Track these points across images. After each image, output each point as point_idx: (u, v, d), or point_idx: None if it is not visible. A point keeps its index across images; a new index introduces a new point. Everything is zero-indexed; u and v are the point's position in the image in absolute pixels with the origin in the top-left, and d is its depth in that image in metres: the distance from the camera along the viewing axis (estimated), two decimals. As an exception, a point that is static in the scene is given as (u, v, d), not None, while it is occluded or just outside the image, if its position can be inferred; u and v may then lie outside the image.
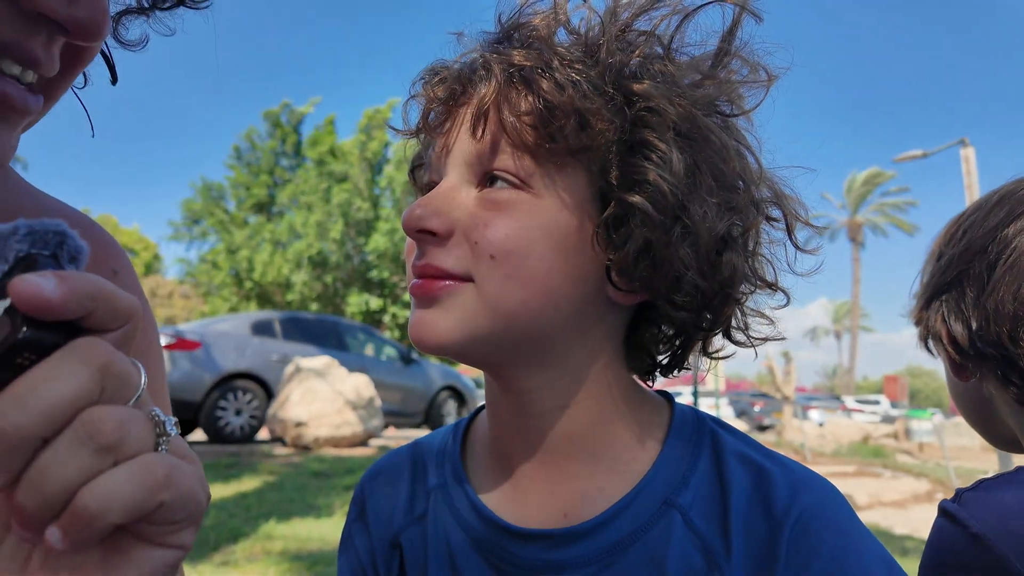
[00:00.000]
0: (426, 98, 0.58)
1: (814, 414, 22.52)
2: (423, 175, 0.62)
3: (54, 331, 0.30)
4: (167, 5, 0.60)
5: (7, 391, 0.29)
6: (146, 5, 0.59)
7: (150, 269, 35.73)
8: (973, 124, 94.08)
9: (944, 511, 0.67)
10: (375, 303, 23.22)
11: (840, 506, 0.54)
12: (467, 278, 0.53)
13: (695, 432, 0.60)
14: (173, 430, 0.34)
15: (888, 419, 20.84)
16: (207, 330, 8.80)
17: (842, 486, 8.25)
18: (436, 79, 0.58)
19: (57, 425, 0.29)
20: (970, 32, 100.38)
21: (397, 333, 22.82)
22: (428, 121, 0.58)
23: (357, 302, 23.04)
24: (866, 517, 6.39)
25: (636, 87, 0.53)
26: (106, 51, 0.61)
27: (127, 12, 0.59)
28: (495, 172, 0.54)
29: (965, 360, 0.77)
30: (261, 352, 8.82)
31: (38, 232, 0.33)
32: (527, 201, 0.53)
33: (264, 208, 25.00)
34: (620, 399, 0.59)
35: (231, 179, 25.22)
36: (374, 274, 23.61)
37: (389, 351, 10.64)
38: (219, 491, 5.45)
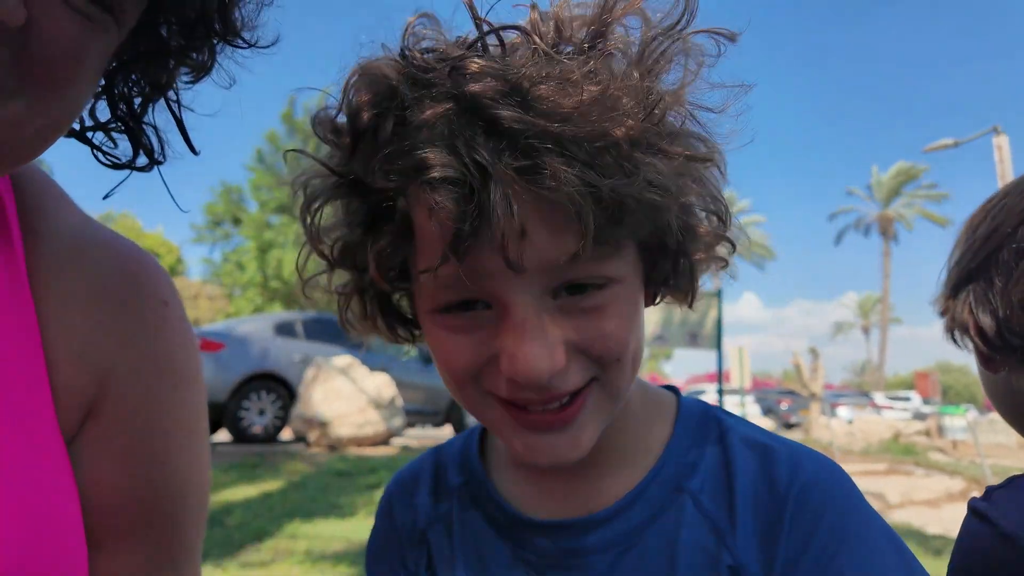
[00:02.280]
0: (433, 209, 0.46)
1: (842, 411, 22.19)
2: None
3: None
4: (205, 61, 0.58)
5: None
6: (205, 60, 0.57)
7: (173, 272, 36.52)
8: (1006, 111, 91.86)
9: (974, 510, 0.66)
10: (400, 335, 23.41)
11: (842, 481, 0.56)
12: (595, 379, 0.53)
13: (701, 421, 0.62)
14: None
15: (920, 416, 20.42)
16: (230, 331, 8.92)
17: (872, 484, 8.12)
18: (421, 177, 0.46)
19: None
20: (1003, 15, 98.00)
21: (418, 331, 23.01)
22: (452, 246, 0.47)
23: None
24: (898, 516, 6.25)
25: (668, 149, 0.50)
26: (178, 115, 0.60)
27: (179, 62, 0.58)
28: (578, 281, 0.50)
29: (993, 351, 0.75)
30: (284, 352, 8.92)
31: None
32: (616, 294, 0.52)
33: (287, 209, 25.35)
34: (633, 394, 0.61)
35: (252, 181, 25.58)
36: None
37: (410, 350, 10.68)
38: (243, 491, 5.51)
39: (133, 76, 0.58)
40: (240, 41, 0.57)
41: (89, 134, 0.59)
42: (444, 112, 0.46)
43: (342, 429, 7.83)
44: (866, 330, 60.26)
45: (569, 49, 0.49)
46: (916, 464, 11.10)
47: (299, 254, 0.61)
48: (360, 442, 7.98)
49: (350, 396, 7.93)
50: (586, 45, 0.49)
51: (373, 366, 8.88)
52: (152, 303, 0.62)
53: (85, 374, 0.56)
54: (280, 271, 23.40)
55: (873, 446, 14.08)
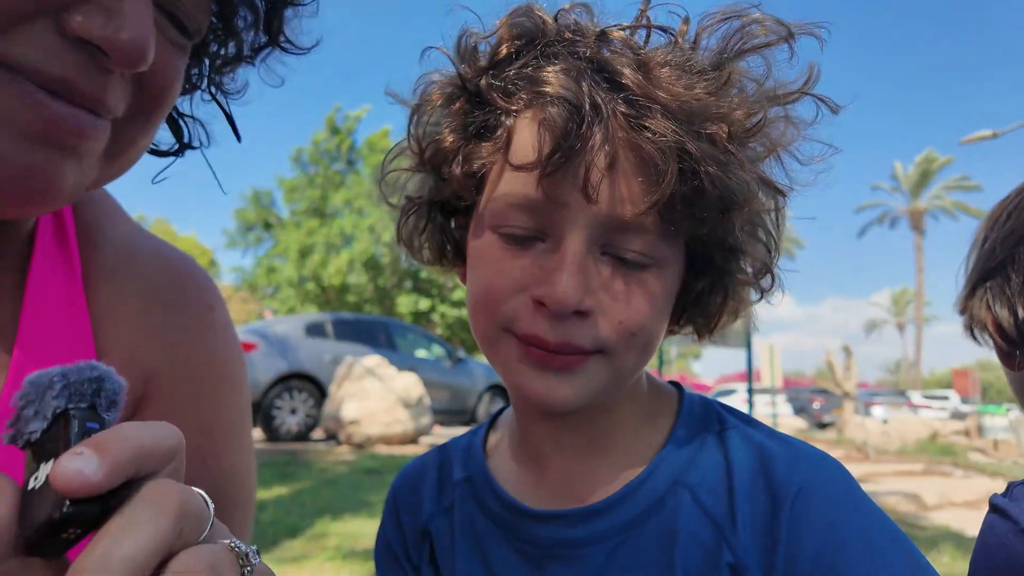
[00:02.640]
0: (544, 121, 0.51)
1: (877, 410, 21.68)
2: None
3: (96, 501, 0.30)
4: (257, 52, 0.61)
5: (89, 550, 0.28)
6: (246, 53, 0.60)
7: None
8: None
9: (994, 506, 0.66)
10: (424, 303, 23.55)
11: (841, 478, 0.56)
12: (600, 350, 0.54)
13: (703, 417, 0.63)
14: (256, 559, 0.35)
15: (958, 415, 19.86)
16: (262, 332, 9.07)
17: (909, 485, 7.92)
18: (542, 94, 0.51)
19: None
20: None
21: (447, 332, 23.11)
22: (548, 155, 0.50)
23: (407, 302, 23.41)
24: (936, 518, 6.09)
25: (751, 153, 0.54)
26: (226, 109, 0.64)
27: (226, 63, 0.61)
28: (628, 250, 0.54)
29: (1013, 348, 0.75)
30: (314, 353, 9.05)
31: (74, 384, 0.33)
32: (656, 275, 0.55)
33: (318, 212, 25.64)
34: (640, 393, 0.63)
35: (286, 182, 25.87)
36: (423, 275, 23.93)
37: (437, 350, 10.75)
38: (276, 488, 5.61)
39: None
40: (285, 43, 0.61)
41: None
42: (578, 62, 0.52)
43: (371, 428, 7.92)
44: (900, 327, 58.76)
45: (705, 54, 0.55)
46: (955, 465, 10.79)
47: (385, 156, 0.66)
48: (389, 440, 8.05)
49: (379, 395, 8.02)
50: (720, 53, 0.55)
51: (401, 366, 8.96)
52: (199, 308, 0.65)
53: (134, 376, 0.59)
54: (316, 273, 23.70)
55: (909, 446, 13.72)
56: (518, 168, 0.52)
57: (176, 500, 0.31)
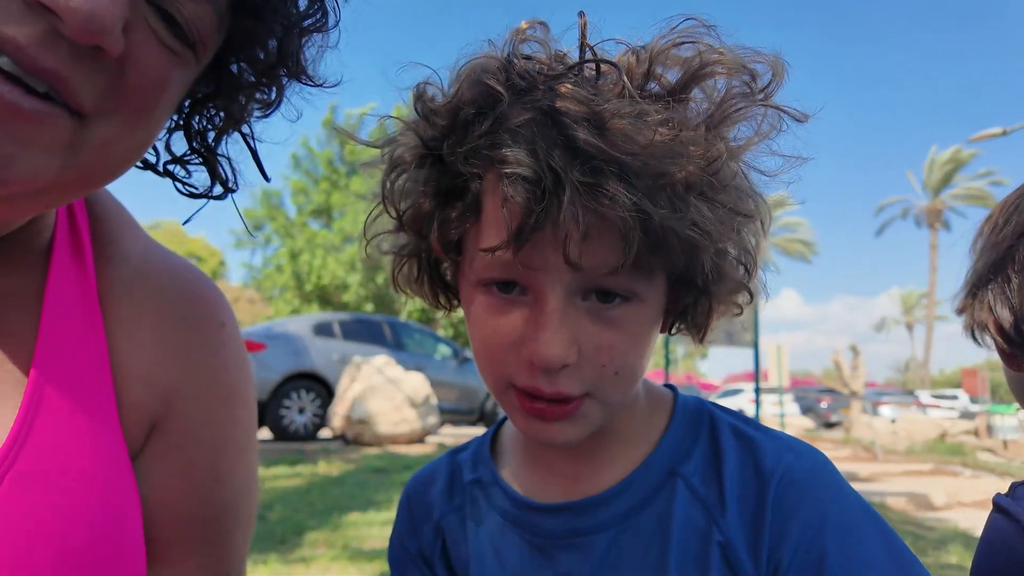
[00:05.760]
0: (506, 200, 0.52)
1: (885, 410, 21.54)
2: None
3: None
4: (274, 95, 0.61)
5: None
6: (273, 95, 0.61)
7: (216, 275, 37.45)
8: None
9: (997, 505, 0.66)
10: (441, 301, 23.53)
11: (822, 465, 0.61)
12: (588, 394, 0.57)
13: (696, 413, 0.67)
14: None
15: (967, 415, 19.72)
16: (271, 332, 9.12)
17: (917, 485, 7.86)
18: (503, 165, 0.52)
19: None
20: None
21: (451, 331, 23.11)
22: (515, 235, 0.52)
23: (412, 303, 23.44)
24: (945, 518, 6.06)
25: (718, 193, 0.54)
26: (253, 146, 0.64)
27: (257, 107, 0.62)
28: (609, 290, 0.55)
29: (1013, 348, 0.75)
30: (322, 352, 9.08)
31: None
32: (637, 310, 0.57)
33: (324, 213, 25.66)
34: (637, 398, 0.66)
35: (293, 182, 25.89)
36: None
37: (444, 350, 10.77)
38: (284, 487, 5.64)
39: (209, 111, 0.61)
40: (307, 79, 0.60)
41: (171, 167, 0.63)
42: (531, 120, 0.52)
43: (379, 427, 7.95)
44: (910, 326, 58.38)
45: (655, 88, 0.56)
46: (964, 465, 10.72)
47: (369, 213, 0.67)
48: (396, 440, 8.08)
49: (387, 395, 8.04)
50: (672, 89, 0.55)
51: (408, 366, 8.98)
52: (211, 325, 0.65)
53: (150, 393, 0.59)
54: (313, 274, 23.72)
55: (918, 446, 13.65)
56: (487, 251, 0.54)
57: None
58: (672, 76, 0.56)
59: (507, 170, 0.51)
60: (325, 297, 24.36)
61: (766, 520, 0.58)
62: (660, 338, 0.66)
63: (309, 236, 24.65)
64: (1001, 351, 0.78)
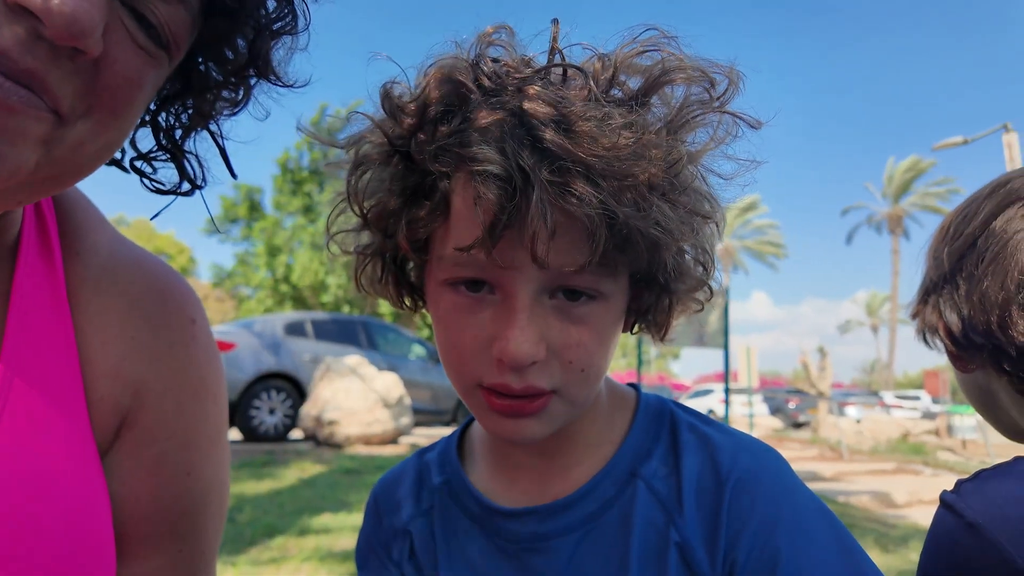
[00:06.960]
0: (477, 199, 0.52)
1: (851, 410, 22.00)
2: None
3: None
4: (243, 94, 0.61)
5: None
6: (241, 94, 0.61)
7: (185, 271, 36.73)
8: (1016, 110, 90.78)
9: (943, 501, 0.69)
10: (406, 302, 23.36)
11: (776, 463, 0.63)
12: (555, 391, 0.58)
13: (657, 414, 0.69)
14: None
15: (929, 415, 20.26)
16: (241, 331, 8.98)
17: (880, 484, 8.06)
18: (472, 163, 0.52)
19: None
20: (1011, 13, 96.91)
21: (427, 332, 23.00)
22: (488, 232, 0.53)
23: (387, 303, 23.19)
24: (906, 516, 6.23)
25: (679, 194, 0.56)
26: (221, 144, 0.64)
27: (225, 105, 0.61)
28: (575, 288, 0.57)
29: (961, 351, 0.79)
30: (294, 352, 8.97)
31: None
32: (602, 309, 0.59)
33: (308, 210, 25.22)
34: (600, 397, 0.68)
35: (277, 179, 25.30)
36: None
37: (418, 350, 10.72)
38: (254, 488, 5.56)
39: (177, 109, 0.61)
40: (275, 79, 0.61)
41: (138, 163, 0.63)
42: (500, 120, 0.53)
43: (351, 428, 7.88)
44: (874, 328, 59.81)
45: (618, 93, 0.57)
46: (925, 464, 11.03)
47: (332, 210, 0.66)
48: (368, 440, 8.01)
49: (359, 395, 7.98)
50: (635, 95, 0.57)
51: (381, 366, 8.92)
52: (181, 321, 0.65)
53: (120, 389, 0.59)
54: (289, 275, 23.36)
55: (882, 445, 13.99)
56: (463, 249, 0.54)
57: None
58: (634, 84, 0.58)
59: (478, 168, 0.52)
60: (301, 298, 24.00)
61: (722, 520, 0.59)
62: (634, 340, 0.68)
63: (290, 232, 24.23)
64: (950, 353, 0.82)
